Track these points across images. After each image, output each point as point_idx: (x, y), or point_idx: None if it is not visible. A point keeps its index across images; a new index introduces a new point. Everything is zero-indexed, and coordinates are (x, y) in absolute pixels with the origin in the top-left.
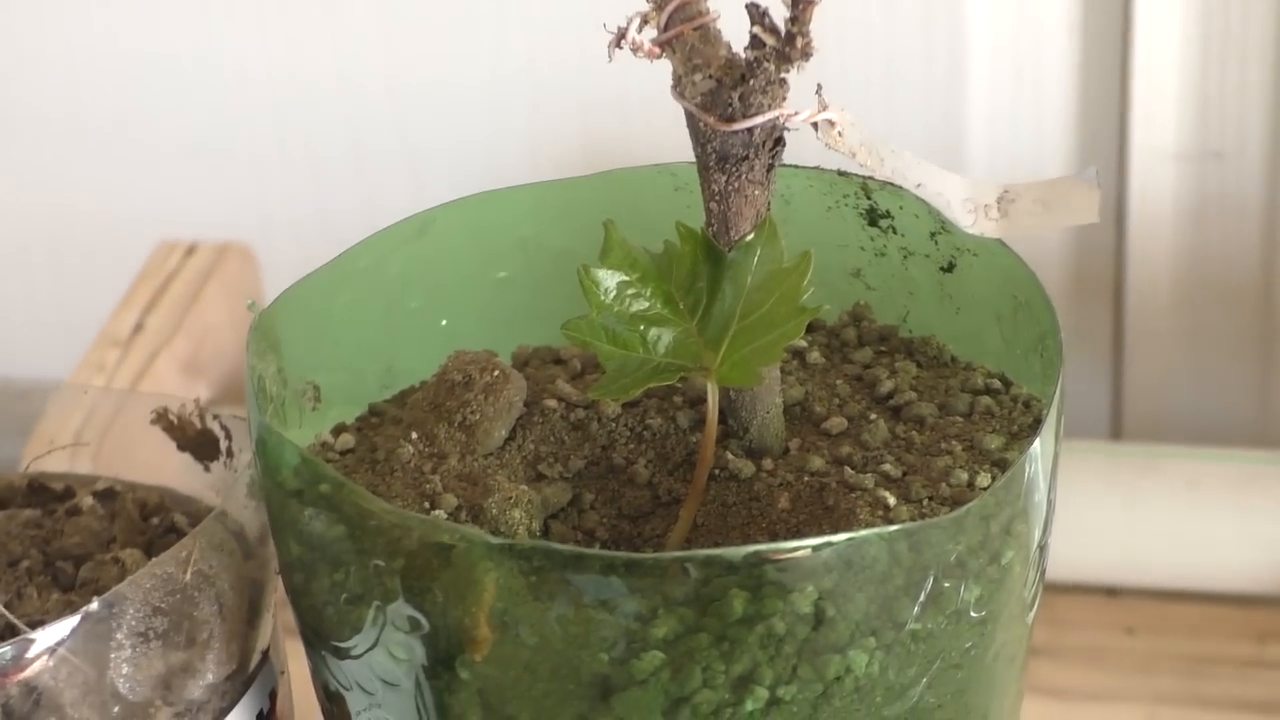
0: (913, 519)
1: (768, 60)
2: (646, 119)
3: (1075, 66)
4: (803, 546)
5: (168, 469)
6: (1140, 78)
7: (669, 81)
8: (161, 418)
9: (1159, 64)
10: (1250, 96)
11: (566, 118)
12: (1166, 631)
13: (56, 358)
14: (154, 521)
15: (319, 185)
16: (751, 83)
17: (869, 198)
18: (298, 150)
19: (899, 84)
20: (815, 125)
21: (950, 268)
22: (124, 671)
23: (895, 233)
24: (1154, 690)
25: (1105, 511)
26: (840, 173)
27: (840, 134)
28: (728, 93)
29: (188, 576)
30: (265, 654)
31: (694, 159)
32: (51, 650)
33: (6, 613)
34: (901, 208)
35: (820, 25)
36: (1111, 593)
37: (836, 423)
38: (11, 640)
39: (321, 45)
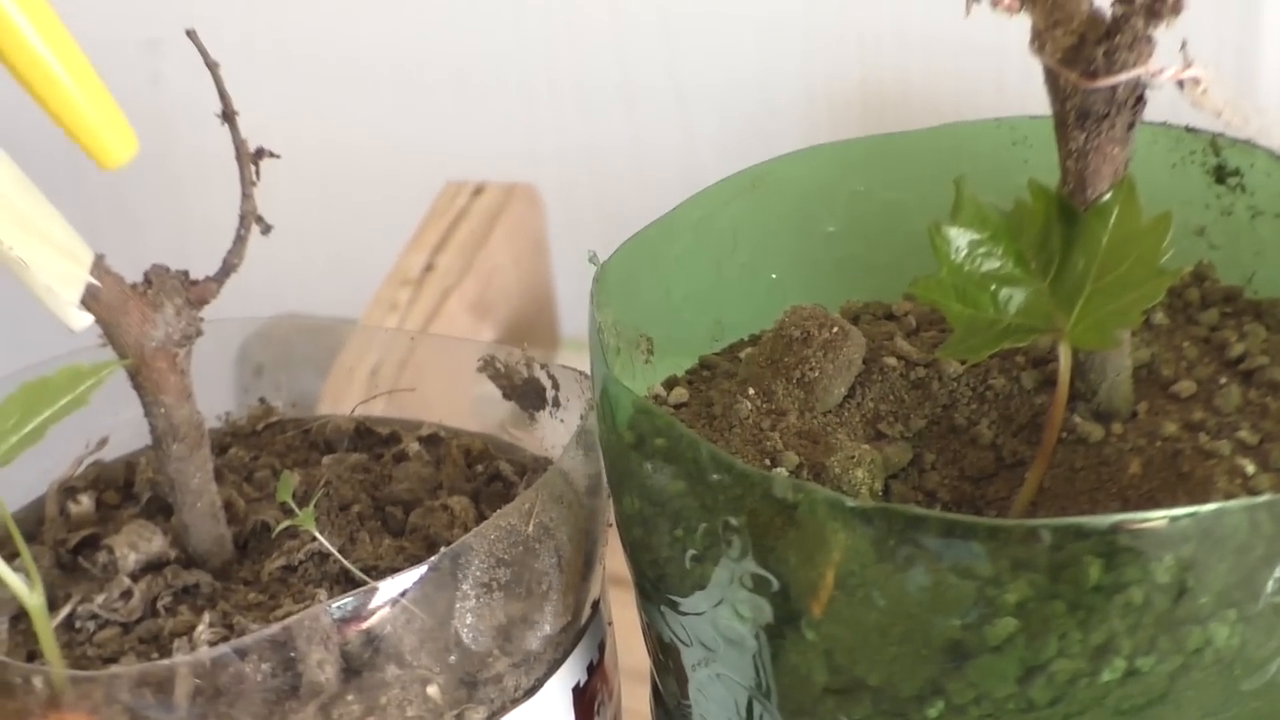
0: (1274, 488)
1: (1136, 16)
2: (924, 54)
3: None
4: (1166, 516)
5: (458, 406)
6: None
7: (949, 19)
8: (488, 365)
9: None
10: None
11: (842, 51)
12: None
13: (347, 296)
14: (479, 469)
15: (587, 120)
16: (1118, 39)
17: (1218, 154)
18: (568, 85)
19: (1189, 21)
20: (1180, 83)
21: None
22: (468, 621)
23: (1244, 190)
24: None
25: None
26: (1188, 129)
27: (1205, 92)
28: (1091, 49)
29: (530, 528)
30: (595, 606)
31: (980, 97)
32: (393, 600)
33: (346, 562)
34: (1253, 165)
35: None
36: None
37: (1186, 386)
38: (357, 590)
39: None
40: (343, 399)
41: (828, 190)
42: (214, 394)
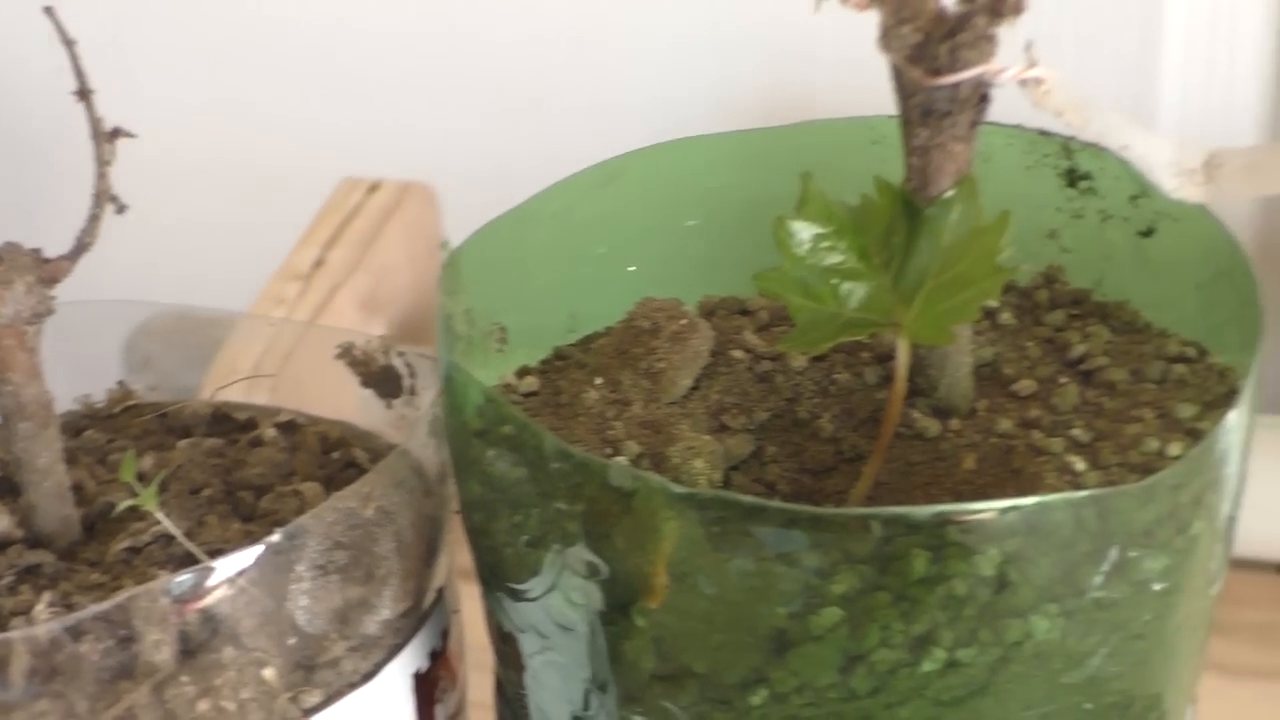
0: (1101, 485)
1: (978, 15)
2: (833, 71)
3: (1274, 25)
4: (989, 509)
5: (342, 402)
6: None
7: (859, 28)
8: (346, 352)
9: None
10: None
11: (752, 67)
12: None
13: (239, 290)
14: (334, 456)
15: (497, 123)
16: (961, 37)
17: (1070, 158)
18: (480, 93)
19: (1090, 40)
20: (1023, 82)
21: (1149, 232)
22: (302, 603)
23: (1094, 195)
24: None
25: (1276, 487)
26: (1042, 132)
27: (1048, 92)
28: (936, 46)
29: (369, 512)
30: (440, 593)
31: (885, 113)
32: (231, 580)
33: (186, 541)
34: (1102, 169)
35: None
36: None
37: (1026, 385)
38: (192, 569)
39: None
40: (226, 392)
41: (688, 185)
42: (106, 380)
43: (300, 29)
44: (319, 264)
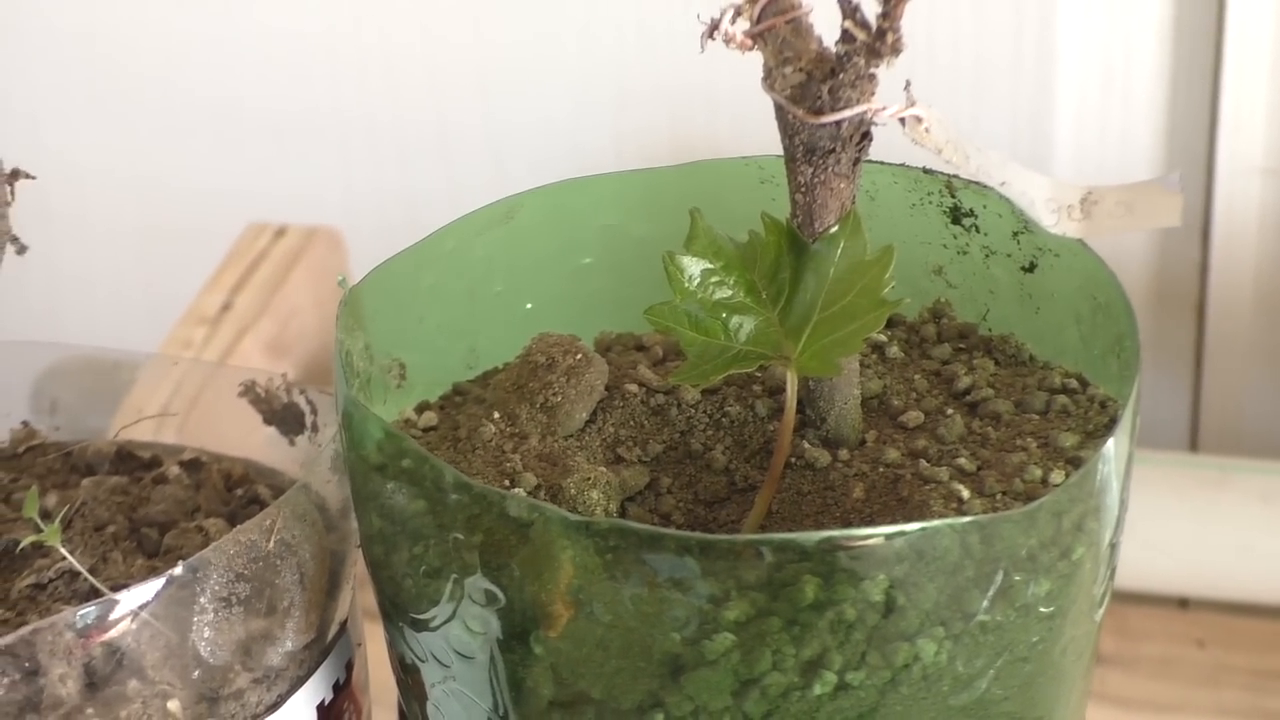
0: (985, 513)
1: (858, 55)
2: (733, 110)
3: (1165, 76)
4: (875, 534)
5: (251, 442)
6: (1230, 90)
7: (758, 74)
8: (249, 390)
9: (1249, 77)
10: None
11: (653, 108)
12: (1236, 645)
13: (145, 334)
14: (238, 492)
15: (405, 171)
16: (841, 77)
17: (953, 196)
18: (385, 135)
19: (988, 88)
20: (902, 121)
21: (1031, 267)
22: (205, 635)
23: (978, 231)
24: (1220, 703)
25: (1178, 523)
26: (925, 170)
27: (927, 130)
28: (817, 86)
29: (270, 545)
30: (344, 626)
31: (781, 152)
32: (134, 613)
33: (90, 576)
34: (985, 206)
35: (910, 27)
36: (1184, 604)
37: (913, 416)
38: (96, 601)
39: (411, 31)
40: (132, 432)
41: (582, 223)
42: (10, 421)
43: (205, 73)
44: (226, 308)
